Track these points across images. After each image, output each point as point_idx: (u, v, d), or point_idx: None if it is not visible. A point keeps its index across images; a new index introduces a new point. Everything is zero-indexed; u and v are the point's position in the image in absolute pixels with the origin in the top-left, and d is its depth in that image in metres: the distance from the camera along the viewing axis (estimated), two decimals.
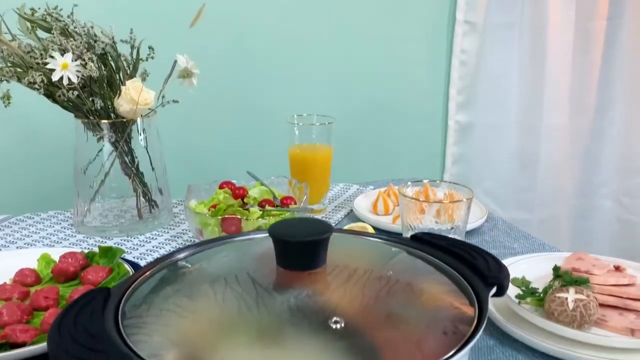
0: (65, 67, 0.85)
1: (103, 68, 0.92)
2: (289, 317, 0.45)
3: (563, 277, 0.69)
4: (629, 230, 1.89)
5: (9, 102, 0.87)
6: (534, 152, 1.75)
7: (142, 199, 1.00)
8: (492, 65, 1.66)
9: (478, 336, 0.42)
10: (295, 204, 0.95)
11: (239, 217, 0.85)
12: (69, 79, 0.86)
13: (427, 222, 0.82)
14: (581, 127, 1.81)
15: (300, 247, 0.50)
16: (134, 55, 0.95)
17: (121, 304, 0.47)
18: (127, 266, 0.75)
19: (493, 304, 0.68)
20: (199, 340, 0.43)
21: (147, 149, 0.98)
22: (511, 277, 0.69)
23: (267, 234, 0.52)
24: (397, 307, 0.48)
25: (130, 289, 0.50)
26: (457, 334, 0.43)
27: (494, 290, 0.50)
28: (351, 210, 1.11)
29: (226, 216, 0.85)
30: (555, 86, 1.70)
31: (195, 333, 0.44)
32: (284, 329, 0.44)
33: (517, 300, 0.68)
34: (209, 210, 0.89)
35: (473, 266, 0.52)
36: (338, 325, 0.43)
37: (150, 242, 0.95)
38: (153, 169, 0.99)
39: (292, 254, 0.50)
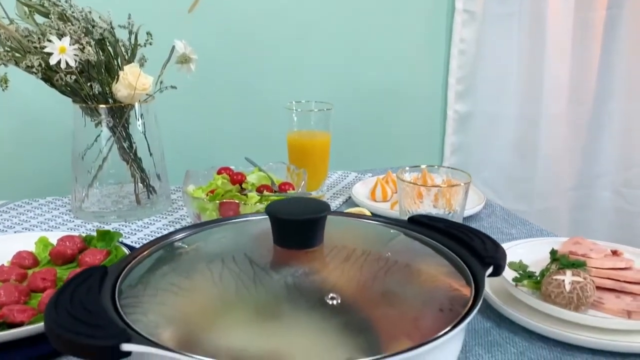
0: (63, 51, 0.85)
1: (101, 53, 0.91)
2: (286, 295, 0.45)
3: (560, 260, 0.69)
4: (627, 221, 1.89)
5: (6, 86, 0.87)
6: (533, 142, 1.74)
7: (140, 184, 0.99)
8: (492, 54, 1.65)
9: (474, 313, 0.42)
10: (293, 189, 0.95)
11: (236, 201, 0.84)
12: (67, 62, 0.85)
13: (425, 208, 0.82)
14: (580, 117, 1.80)
15: (298, 225, 0.50)
16: (132, 41, 0.95)
17: (118, 283, 0.47)
18: (124, 249, 0.75)
19: (490, 287, 0.68)
20: (195, 318, 0.43)
21: (145, 134, 0.98)
22: (508, 261, 0.70)
23: (264, 216, 0.52)
24: (394, 286, 0.48)
25: (127, 268, 0.50)
26: (453, 311, 0.43)
27: (490, 269, 0.50)
28: (349, 197, 1.11)
29: (224, 201, 0.85)
30: (554, 76, 1.69)
31: (191, 311, 0.44)
32: (281, 306, 0.44)
33: (514, 283, 0.68)
34: (207, 195, 0.89)
35: (470, 247, 0.53)
36: (335, 302, 0.43)
37: (148, 227, 0.95)
38: (151, 154, 0.99)
39: (289, 233, 0.50)
